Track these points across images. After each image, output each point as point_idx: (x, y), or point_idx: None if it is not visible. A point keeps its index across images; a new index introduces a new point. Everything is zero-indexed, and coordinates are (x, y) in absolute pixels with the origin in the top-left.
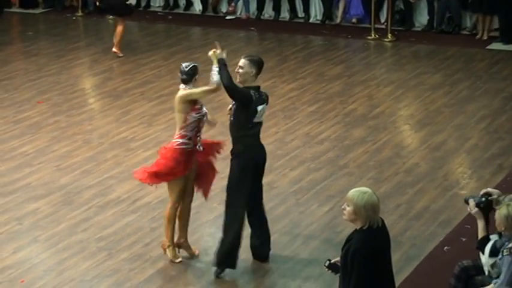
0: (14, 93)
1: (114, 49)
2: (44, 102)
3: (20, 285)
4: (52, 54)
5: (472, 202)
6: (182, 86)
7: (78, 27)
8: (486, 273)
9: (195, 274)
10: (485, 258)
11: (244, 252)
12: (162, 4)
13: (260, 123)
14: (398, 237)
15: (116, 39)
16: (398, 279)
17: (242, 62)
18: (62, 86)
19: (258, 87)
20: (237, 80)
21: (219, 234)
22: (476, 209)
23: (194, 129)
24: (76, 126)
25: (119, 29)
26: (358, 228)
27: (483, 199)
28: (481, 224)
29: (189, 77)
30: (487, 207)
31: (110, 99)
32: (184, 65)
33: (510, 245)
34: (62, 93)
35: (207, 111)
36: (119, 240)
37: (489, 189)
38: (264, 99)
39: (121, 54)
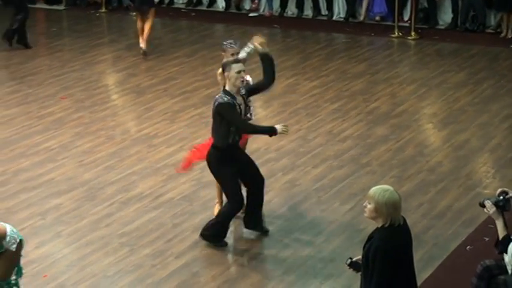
0: (38, 89)
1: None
2: (68, 98)
3: (43, 280)
4: (76, 50)
5: (488, 203)
6: None
7: (101, 23)
8: (509, 272)
9: (217, 270)
10: (508, 257)
11: (266, 250)
12: (185, 1)
13: None
14: (420, 236)
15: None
16: (420, 279)
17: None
18: (85, 82)
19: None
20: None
21: (241, 231)
22: (494, 208)
23: None
24: (99, 122)
25: (150, 23)
26: (379, 226)
27: (501, 197)
28: (500, 224)
29: None
30: (505, 206)
31: (133, 95)
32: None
33: None
34: (85, 89)
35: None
36: (141, 236)
37: (505, 189)
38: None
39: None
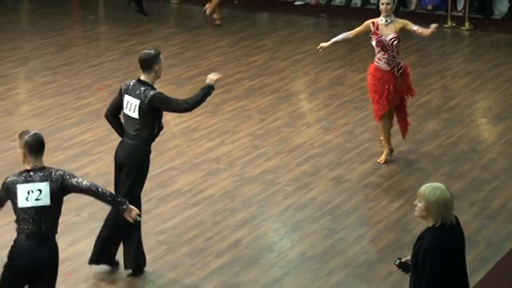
0: (74, 79)
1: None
2: (105, 89)
3: (77, 279)
4: (113, 39)
5: None
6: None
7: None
8: None
9: (259, 270)
10: None
11: (310, 250)
12: None
13: (127, 117)
14: (472, 236)
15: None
16: (473, 281)
17: None
18: (123, 72)
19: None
20: None
21: (284, 229)
22: None
23: (380, 52)
24: None
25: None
26: (430, 225)
27: None
28: None
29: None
30: None
31: (172, 86)
32: None
33: None
34: (123, 79)
35: (386, 37)
36: (179, 234)
37: None
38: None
39: (218, 22)
